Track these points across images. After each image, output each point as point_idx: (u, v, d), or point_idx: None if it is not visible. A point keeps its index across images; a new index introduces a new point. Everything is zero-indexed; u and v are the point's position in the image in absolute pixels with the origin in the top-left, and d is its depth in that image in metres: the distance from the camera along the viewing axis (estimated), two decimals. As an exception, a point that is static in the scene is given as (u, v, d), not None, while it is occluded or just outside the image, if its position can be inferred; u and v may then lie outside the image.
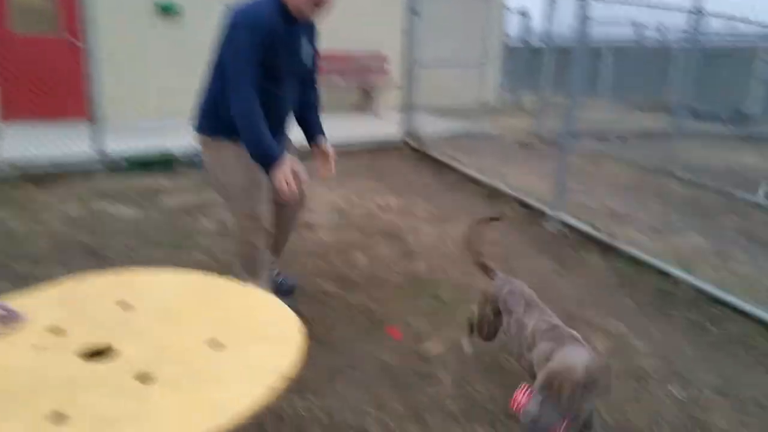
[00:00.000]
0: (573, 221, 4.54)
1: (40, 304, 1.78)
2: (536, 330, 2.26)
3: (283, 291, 3.20)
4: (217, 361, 1.54)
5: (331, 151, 2.90)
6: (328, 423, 2.40)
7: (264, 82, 2.55)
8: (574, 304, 3.44)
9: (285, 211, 3.07)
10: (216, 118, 2.67)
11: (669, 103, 8.98)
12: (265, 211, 2.82)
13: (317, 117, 3.00)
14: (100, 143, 5.66)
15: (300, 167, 2.54)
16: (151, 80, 7.64)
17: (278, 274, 3.31)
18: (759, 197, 5.20)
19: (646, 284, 3.71)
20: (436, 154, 6.58)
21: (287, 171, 2.48)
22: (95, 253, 3.87)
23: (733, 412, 2.53)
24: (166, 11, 7.75)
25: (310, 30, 2.82)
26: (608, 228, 4.31)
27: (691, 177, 5.74)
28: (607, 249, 4.16)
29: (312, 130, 2.96)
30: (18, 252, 3.79)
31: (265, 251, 2.91)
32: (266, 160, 2.51)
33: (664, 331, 3.17)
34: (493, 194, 5.46)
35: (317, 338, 2.96)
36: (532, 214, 4.92)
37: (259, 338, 1.66)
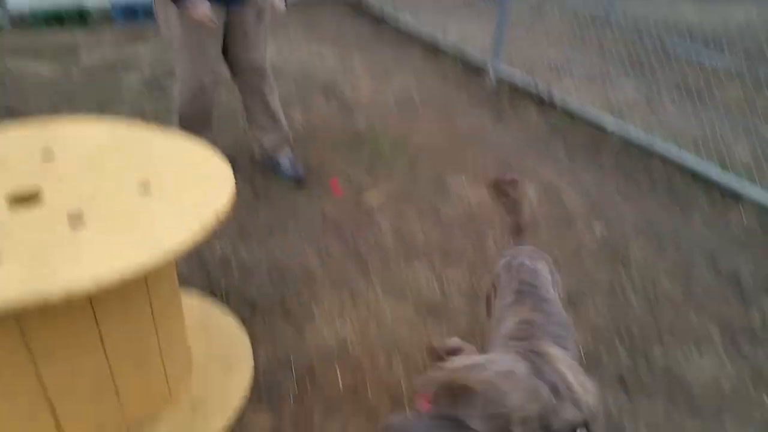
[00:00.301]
0: (511, 75, 4.52)
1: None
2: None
3: (286, 177, 3.08)
4: (147, 204, 1.50)
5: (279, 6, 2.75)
6: (272, 267, 2.46)
7: None
8: (510, 153, 3.52)
9: (246, 83, 2.90)
10: None
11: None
12: (204, 72, 2.68)
13: None
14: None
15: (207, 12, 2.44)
16: None
17: (287, 158, 3.13)
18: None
19: (579, 135, 3.81)
20: (373, 7, 6.28)
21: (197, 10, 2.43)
22: (13, 111, 3.62)
23: (650, 245, 2.74)
24: None
25: None
26: (546, 81, 4.33)
27: (631, 29, 5.73)
28: (543, 102, 4.20)
29: None
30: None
31: (203, 114, 2.82)
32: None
33: (593, 178, 3.31)
34: (433, 50, 5.33)
35: (258, 194, 2.96)
36: (472, 70, 4.85)
37: (190, 182, 1.62)
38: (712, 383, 2.03)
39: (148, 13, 5.65)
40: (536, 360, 1.23)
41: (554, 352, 1.27)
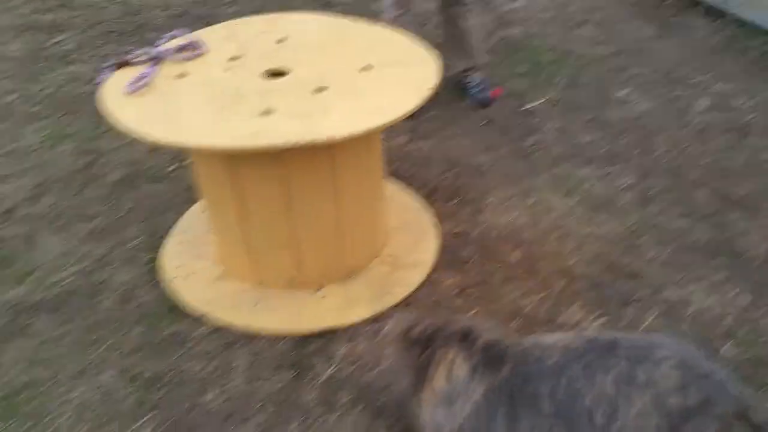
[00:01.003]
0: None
1: (211, 39, 2.07)
2: None
3: (474, 101, 3.18)
4: (372, 79, 1.83)
5: None
6: (446, 160, 2.74)
7: None
8: (676, 66, 3.46)
9: (448, 11, 3.01)
10: None
11: None
12: None
13: None
14: None
15: None
16: None
17: (477, 80, 3.21)
18: None
19: (756, 48, 3.62)
20: None
21: None
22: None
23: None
24: None
25: None
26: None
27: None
28: (714, 12, 4.01)
29: None
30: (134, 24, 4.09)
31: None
32: None
33: None
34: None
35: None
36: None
37: (403, 63, 1.91)
38: None
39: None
40: None
41: None
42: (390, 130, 3.00)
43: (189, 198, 2.59)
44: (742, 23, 3.83)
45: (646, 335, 1.79)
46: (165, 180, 2.74)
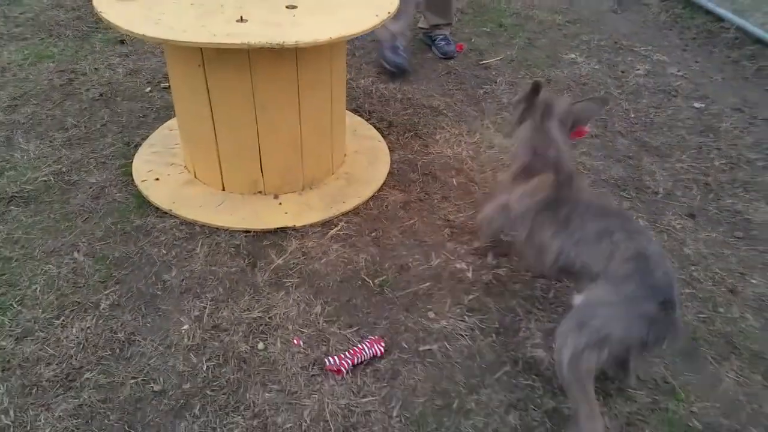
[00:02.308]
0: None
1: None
2: None
3: (439, 52, 3.39)
4: (341, 2, 2.06)
5: None
6: (405, 100, 2.99)
7: None
8: (625, 37, 3.76)
9: None
10: None
11: None
12: None
13: None
14: None
15: None
16: None
17: (442, 37, 3.42)
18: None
19: (696, 26, 3.94)
20: None
21: None
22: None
23: (743, 122, 3.00)
24: None
25: None
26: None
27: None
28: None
29: None
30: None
31: None
32: None
33: (701, 64, 3.52)
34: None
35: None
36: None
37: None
38: (770, 225, 2.38)
39: None
40: None
41: None
42: (357, 72, 3.24)
43: (163, 116, 2.79)
44: (688, 3, 4.15)
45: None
46: (141, 99, 2.93)
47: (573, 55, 3.51)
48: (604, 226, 1.63)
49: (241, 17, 1.91)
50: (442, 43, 3.40)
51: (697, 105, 3.12)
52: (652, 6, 4.19)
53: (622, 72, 3.36)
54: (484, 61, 3.39)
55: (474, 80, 3.22)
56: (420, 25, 3.48)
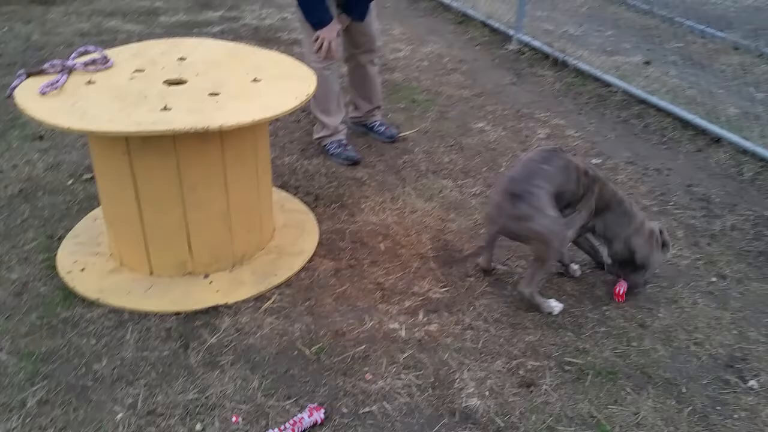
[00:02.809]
0: (532, 41, 5.09)
1: (118, 56, 2.36)
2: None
3: (381, 136, 3.54)
4: (260, 87, 2.19)
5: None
6: (329, 174, 3.13)
7: None
8: (525, 105, 4.11)
9: (357, 56, 3.34)
10: None
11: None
12: (329, 38, 2.98)
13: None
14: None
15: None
16: None
17: (380, 122, 3.57)
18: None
19: (588, 92, 4.36)
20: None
21: (328, 35, 2.90)
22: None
23: (637, 173, 3.31)
24: None
25: None
26: (562, 48, 4.88)
27: (648, 7, 6.19)
28: (558, 64, 4.76)
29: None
30: (37, 57, 4.25)
31: (336, 87, 3.20)
32: (312, 21, 2.92)
33: (595, 125, 3.89)
34: (463, 20, 5.91)
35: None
36: (498, 36, 5.43)
37: (287, 77, 2.29)
38: (671, 263, 2.61)
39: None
40: None
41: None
42: (281, 150, 3.37)
43: (86, 207, 2.79)
44: (579, 72, 4.60)
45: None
46: (63, 192, 2.92)
47: (481, 124, 3.79)
48: None
49: (165, 106, 2.00)
50: (382, 128, 3.56)
51: (594, 161, 3.42)
52: (547, 77, 4.61)
53: (526, 136, 3.66)
54: (401, 134, 3.60)
55: (393, 151, 3.42)
56: (351, 115, 3.59)
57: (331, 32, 2.92)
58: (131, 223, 2.22)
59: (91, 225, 2.62)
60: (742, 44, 5.30)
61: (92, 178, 2.97)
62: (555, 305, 2.26)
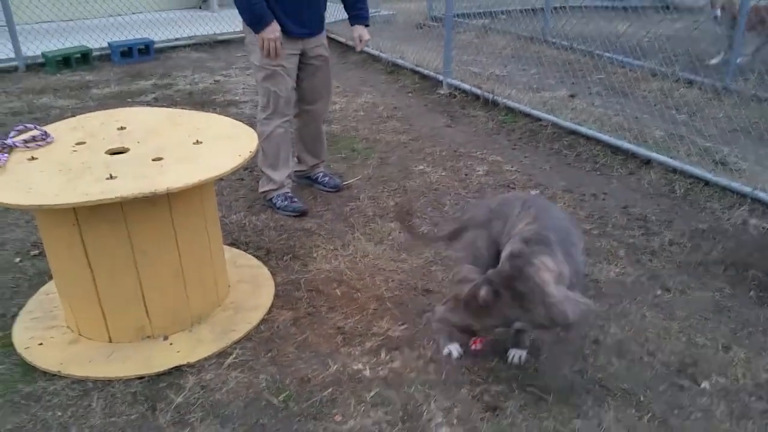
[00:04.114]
0: (461, 85, 5.35)
1: (59, 131, 2.38)
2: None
3: (326, 187, 3.61)
4: (201, 149, 2.24)
5: (365, 37, 3.38)
6: (279, 227, 3.17)
7: None
8: (461, 145, 4.29)
9: (309, 112, 3.43)
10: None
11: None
12: (280, 96, 3.14)
13: (359, 4, 3.36)
14: (17, 44, 5.83)
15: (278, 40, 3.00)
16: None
17: (324, 173, 3.66)
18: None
19: (520, 128, 4.61)
20: (340, 38, 7.10)
21: (272, 35, 2.98)
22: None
23: (575, 200, 3.50)
24: None
25: None
26: (491, 88, 5.16)
27: (568, 44, 6.60)
28: (489, 104, 5.02)
29: (351, 12, 3.37)
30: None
31: (284, 142, 3.28)
32: (252, 23, 3.00)
33: (530, 158, 4.10)
34: (394, 70, 6.16)
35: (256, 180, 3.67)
36: (428, 82, 5.69)
37: (227, 138, 2.36)
38: (617, 281, 2.75)
39: (141, 52, 6.41)
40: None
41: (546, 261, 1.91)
42: (228, 208, 3.40)
43: (37, 283, 2.72)
44: (509, 110, 4.85)
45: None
46: (11, 271, 2.84)
47: (422, 167, 3.94)
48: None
49: (111, 175, 2.02)
50: (326, 178, 3.64)
51: (533, 192, 3.60)
52: (480, 117, 4.84)
53: (466, 175, 3.82)
54: (345, 182, 3.69)
55: (339, 200, 3.50)
56: (295, 169, 3.62)
57: (274, 32, 2.99)
58: (86, 293, 2.20)
59: (45, 299, 2.56)
60: (659, 71, 5.73)
61: (40, 253, 2.92)
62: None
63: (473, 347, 2.17)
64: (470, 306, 1.94)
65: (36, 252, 2.97)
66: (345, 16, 3.42)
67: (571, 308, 1.87)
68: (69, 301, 2.31)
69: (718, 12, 5.96)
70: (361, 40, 3.39)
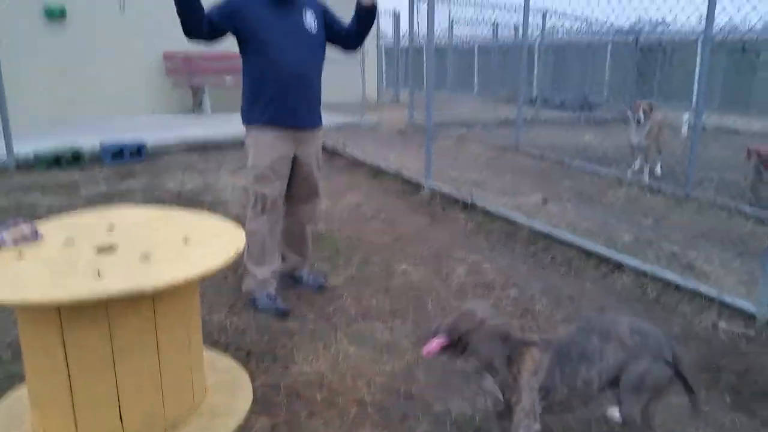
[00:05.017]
0: (441, 188, 5.55)
1: (47, 229, 2.43)
2: None
3: (309, 286, 3.65)
4: (190, 248, 2.29)
5: None
6: (261, 328, 3.17)
7: (254, 54, 3.12)
8: (442, 246, 4.40)
9: (297, 213, 3.52)
10: (248, 107, 3.24)
11: (526, 95, 10.39)
12: (267, 197, 3.23)
13: None
14: (9, 142, 5.98)
15: None
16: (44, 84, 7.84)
17: (307, 273, 3.71)
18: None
19: (497, 230, 4.75)
20: (326, 142, 7.40)
21: None
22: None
23: (551, 302, 3.57)
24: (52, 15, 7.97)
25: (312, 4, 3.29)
26: (469, 192, 5.35)
27: (539, 153, 6.97)
28: (467, 207, 5.19)
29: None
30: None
31: (270, 241, 3.35)
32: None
33: (508, 260, 4.20)
34: (377, 173, 6.39)
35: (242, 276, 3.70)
36: (410, 186, 5.89)
37: (215, 237, 2.42)
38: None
39: (132, 154, 6.59)
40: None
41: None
42: (210, 308, 3.40)
43: (3, 388, 2.66)
44: (487, 213, 5.02)
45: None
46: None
47: (404, 266, 4.01)
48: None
49: (98, 272, 2.06)
50: (310, 278, 3.68)
51: (512, 292, 3.67)
52: (459, 218, 5.00)
53: (447, 274, 3.89)
54: (328, 282, 3.73)
55: (322, 300, 3.52)
56: (279, 267, 3.63)
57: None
58: (59, 396, 2.15)
59: (11, 406, 2.49)
60: (625, 178, 6.02)
61: (13, 356, 2.87)
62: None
63: (428, 348, 2.08)
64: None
65: (8, 355, 2.92)
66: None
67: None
68: (39, 406, 2.25)
69: (641, 115, 6.09)
70: None
